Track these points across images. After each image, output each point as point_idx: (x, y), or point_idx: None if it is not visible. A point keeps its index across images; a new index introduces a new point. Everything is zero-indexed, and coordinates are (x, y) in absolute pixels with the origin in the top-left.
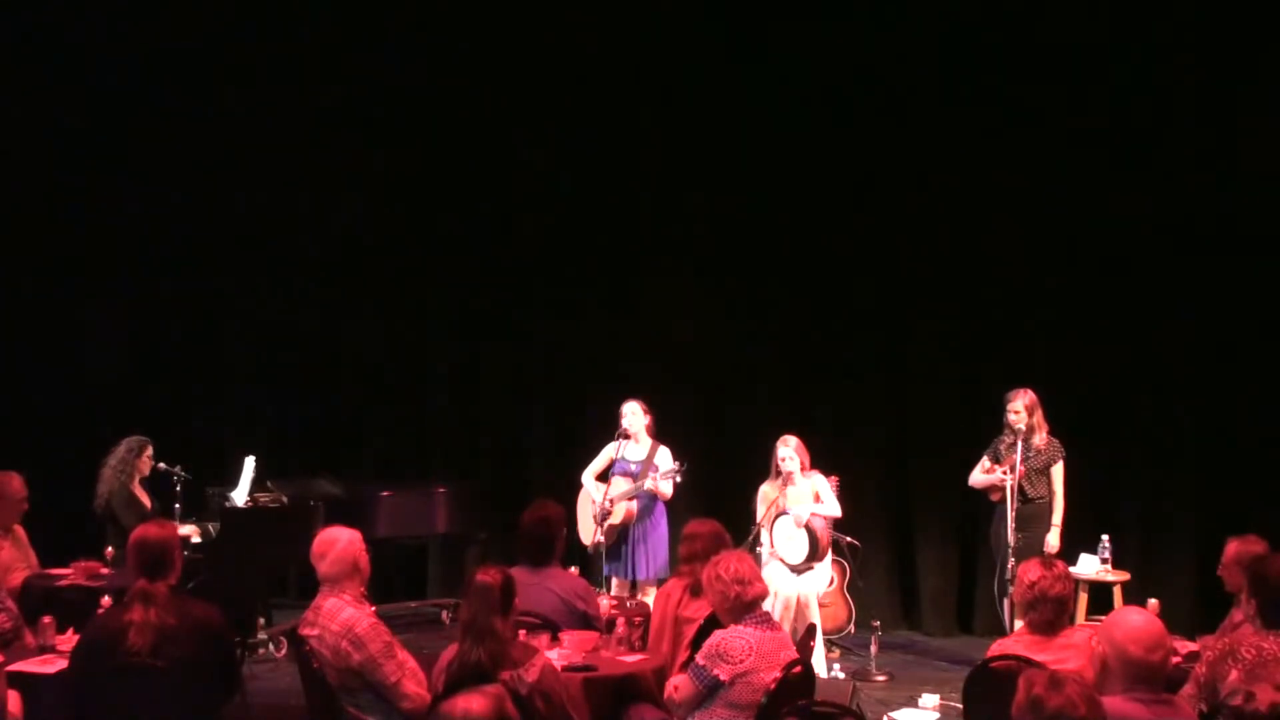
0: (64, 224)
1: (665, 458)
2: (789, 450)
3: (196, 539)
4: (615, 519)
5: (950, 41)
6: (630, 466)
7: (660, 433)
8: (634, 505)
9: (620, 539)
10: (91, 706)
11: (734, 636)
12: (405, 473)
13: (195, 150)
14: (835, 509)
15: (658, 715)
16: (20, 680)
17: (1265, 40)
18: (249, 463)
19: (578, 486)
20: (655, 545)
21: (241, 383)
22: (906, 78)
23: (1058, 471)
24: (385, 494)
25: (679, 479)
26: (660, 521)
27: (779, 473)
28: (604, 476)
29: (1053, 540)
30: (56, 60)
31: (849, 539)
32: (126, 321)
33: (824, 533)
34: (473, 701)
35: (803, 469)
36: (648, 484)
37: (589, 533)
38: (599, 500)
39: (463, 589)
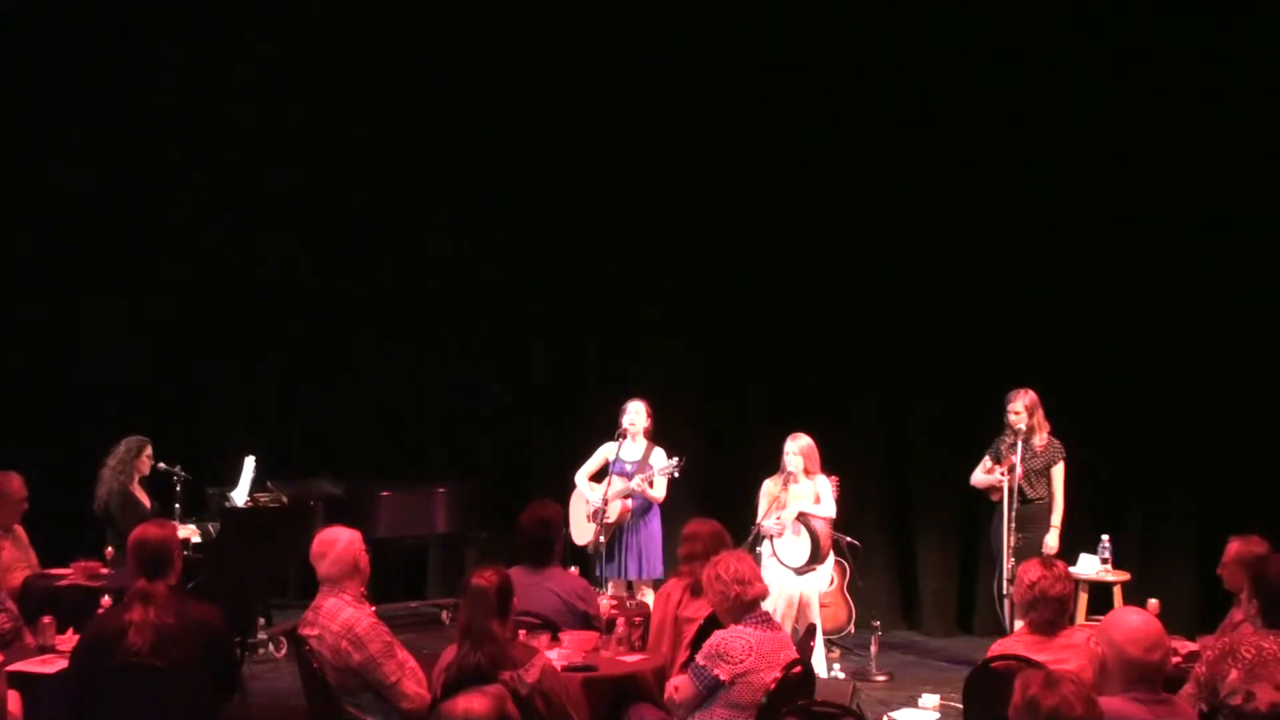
0: (63, 222)
1: (660, 459)
2: (797, 448)
3: (196, 539)
4: (610, 518)
5: (949, 38)
6: (626, 467)
7: (660, 431)
8: (629, 503)
9: (615, 538)
10: (91, 706)
11: (734, 637)
12: (405, 473)
13: (196, 148)
14: (831, 511)
15: (658, 715)
16: (20, 680)
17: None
18: (249, 463)
19: (574, 487)
20: (649, 545)
21: (242, 382)
22: (904, 76)
23: (1058, 472)
24: (385, 494)
25: (677, 474)
26: (653, 520)
27: (784, 469)
28: (598, 477)
29: (1051, 541)
30: (55, 48)
31: (849, 539)
32: (126, 321)
33: (825, 535)
34: (473, 701)
35: (809, 471)
36: (634, 484)
37: (581, 533)
38: (593, 500)
39: (462, 589)
